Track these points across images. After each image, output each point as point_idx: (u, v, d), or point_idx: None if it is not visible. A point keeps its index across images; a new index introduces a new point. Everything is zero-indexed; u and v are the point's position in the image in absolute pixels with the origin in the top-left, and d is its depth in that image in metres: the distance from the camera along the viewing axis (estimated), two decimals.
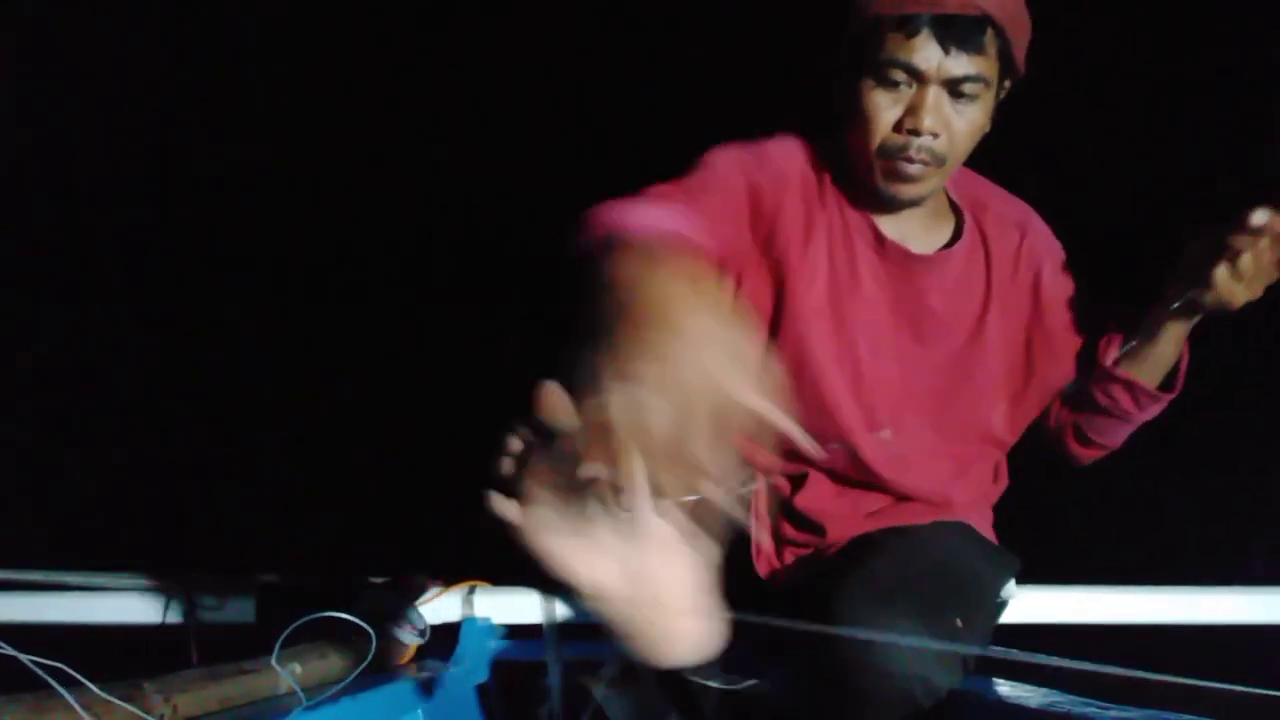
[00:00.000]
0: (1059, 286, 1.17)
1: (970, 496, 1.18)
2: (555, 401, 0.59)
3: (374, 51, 2.18)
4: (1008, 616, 1.21)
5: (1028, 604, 1.29)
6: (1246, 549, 1.67)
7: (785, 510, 1.15)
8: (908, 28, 1.00)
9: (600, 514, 0.62)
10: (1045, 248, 1.19)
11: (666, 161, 1.09)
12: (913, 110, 1.02)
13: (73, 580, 1.35)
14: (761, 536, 1.15)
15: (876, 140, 1.05)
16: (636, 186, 1.03)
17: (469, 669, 1.28)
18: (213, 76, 2.13)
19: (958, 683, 0.91)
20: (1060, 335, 1.18)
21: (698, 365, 0.60)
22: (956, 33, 1.00)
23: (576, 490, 0.61)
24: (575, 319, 0.68)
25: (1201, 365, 1.13)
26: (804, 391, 1.10)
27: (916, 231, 1.15)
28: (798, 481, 1.14)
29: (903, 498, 1.15)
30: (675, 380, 0.59)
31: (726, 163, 1.08)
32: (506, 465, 0.62)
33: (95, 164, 2.11)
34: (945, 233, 1.17)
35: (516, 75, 2.15)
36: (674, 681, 1.34)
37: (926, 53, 1.01)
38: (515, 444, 0.62)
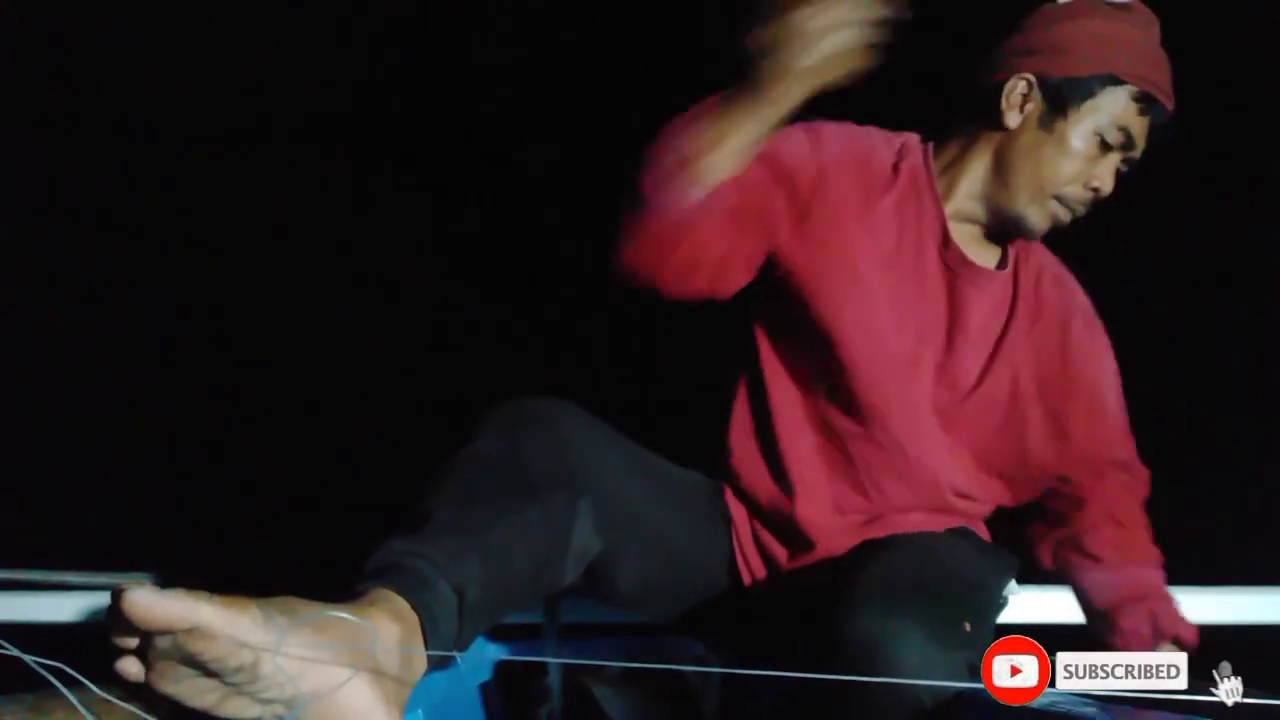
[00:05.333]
0: (1087, 351, 1.21)
1: (962, 507, 1.19)
2: (144, 603, 0.64)
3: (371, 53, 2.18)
4: (1009, 616, 1.21)
5: (1028, 604, 1.29)
6: (1247, 549, 1.66)
7: (774, 526, 1.15)
8: (1143, 104, 1.09)
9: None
10: (1079, 307, 1.22)
11: None
12: (1106, 174, 1.11)
13: (73, 580, 1.35)
14: (747, 551, 1.16)
15: (1065, 186, 1.11)
16: None
17: (471, 669, 1.28)
18: (213, 76, 2.13)
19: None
20: (1089, 404, 1.20)
21: None
22: (1159, 125, 1.11)
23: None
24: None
25: (1202, 365, 1.14)
26: (864, 351, 1.11)
27: (973, 246, 1.17)
28: (793, 499, 1.14)
29: (894, 508, 1.15)
30: None
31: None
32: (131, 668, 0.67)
33: (95, 162, 2.11)
34: (994, 256, 1.20)
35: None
36: (675, 682, 1.34)
37: (1144, 131, 1.11)
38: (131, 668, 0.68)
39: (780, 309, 1.14)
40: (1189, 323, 1.86)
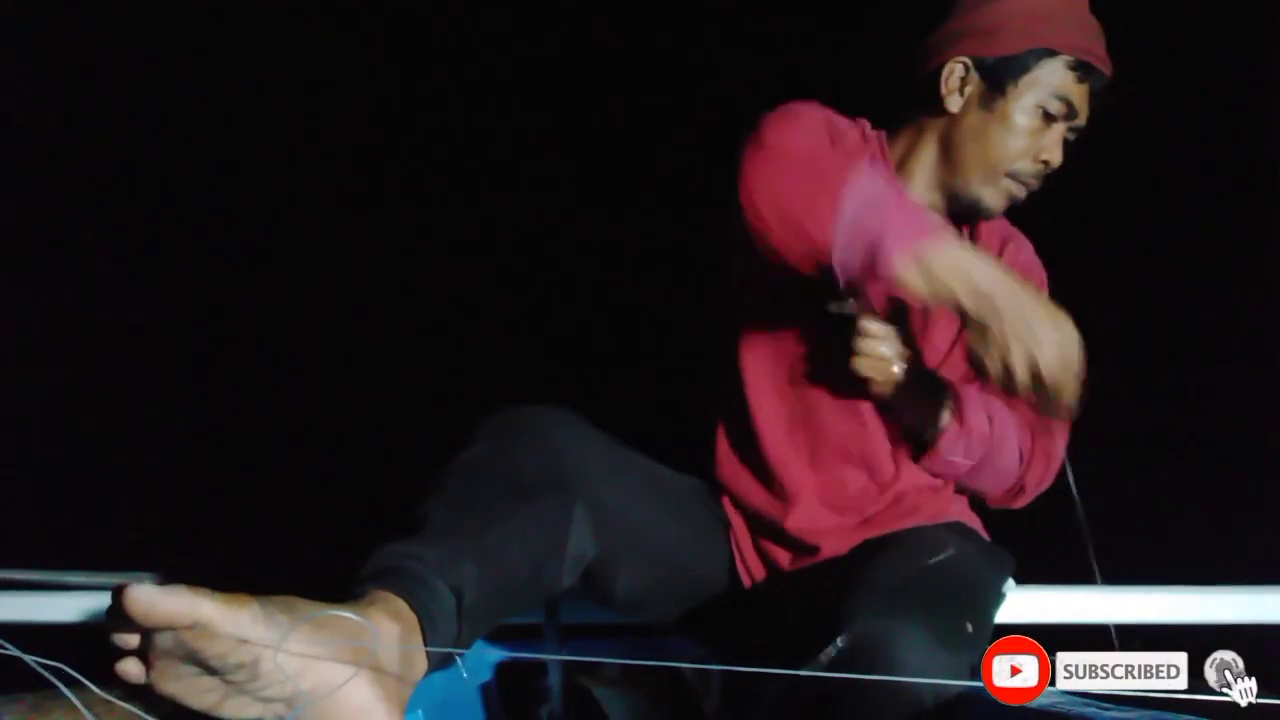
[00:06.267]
0: None
1: (952, 494, 1.19)
2: (146, 599, 0.63)
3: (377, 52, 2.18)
4: (1009, 616, 1.21)
5: (1028, 604, 1.28)
6: (1247, 548, 1.66)
7: (771, 533, 1.15)
8: (1080, 72, 1.09)
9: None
10: (1022, 266, 1.21)
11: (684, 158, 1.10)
12: (1054, 145, 1.11)
13: (73, 580, 1.35)
14: (746, 556, 1.16)
15: (1014, 162, 1.12)
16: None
17: (471, 669, 1.28)
18: (215, 78, 2.13)
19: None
20: None
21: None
22: (1100, 91, 1.11)
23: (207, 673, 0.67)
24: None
25: (1205, 365, 1.13)
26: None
27: None
28: (786, 505, 1.14)
29: (894, 502, 1.15)
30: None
31: (819, 119, 1.10)
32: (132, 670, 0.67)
33: (94, 160, 2.11)
34: None
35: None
36: (675, 682, 1.34)
37: (1085, 99, 1.11)
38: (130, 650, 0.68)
39: (775, 306, 1.15)
40: (1189, 322, 1.86)
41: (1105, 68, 1.11)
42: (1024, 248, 1.24)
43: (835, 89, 1.10)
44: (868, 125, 1.20)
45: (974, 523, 1.20)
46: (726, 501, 1.19)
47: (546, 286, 2.12)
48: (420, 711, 1.05)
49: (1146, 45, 1.15)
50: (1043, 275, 1.25)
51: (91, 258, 2.11)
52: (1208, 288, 1.89)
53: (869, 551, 1.05)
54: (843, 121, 1.15)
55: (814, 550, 1.12)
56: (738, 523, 1.18)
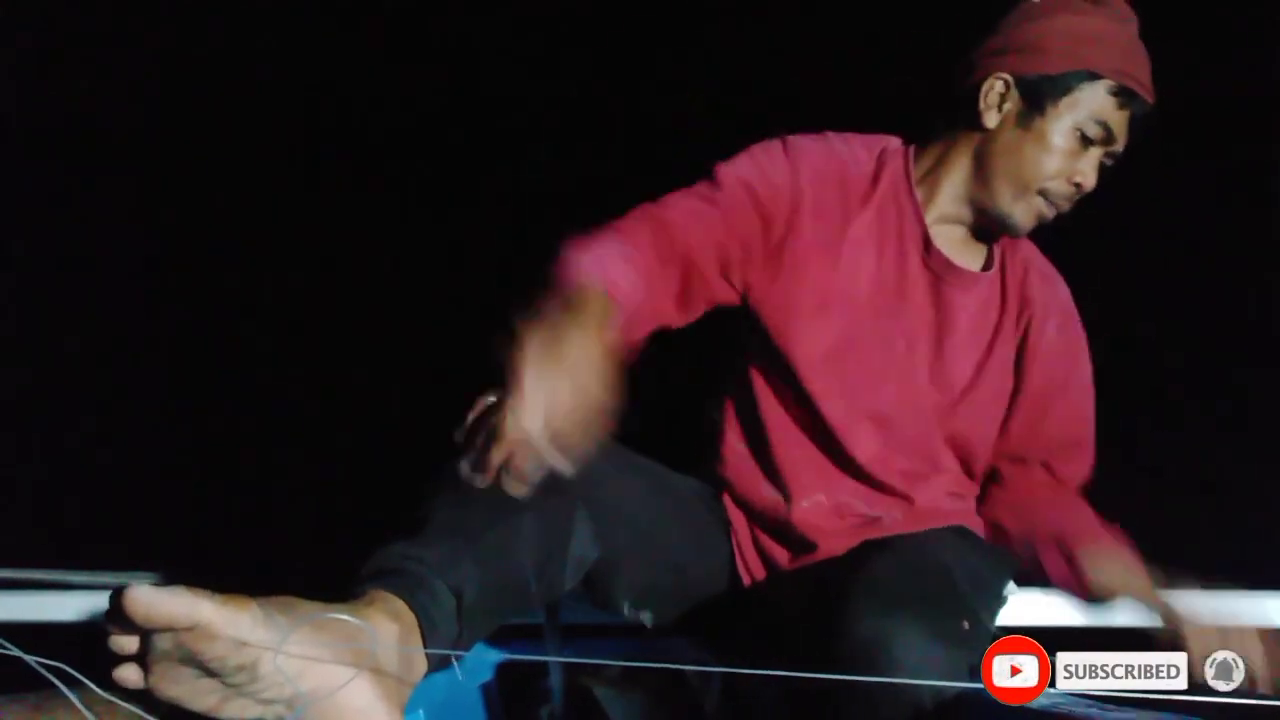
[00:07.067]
0: (1057, 351, 1.18)
1: (960, 505, 1.19)
2: (145, 600, 0.64)
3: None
4: (1009, 617, 1.21)
5: (1028, 604, 1.28)
6: (1248, 550, 1.66)
7: (773, 530, 1.16)
8: (1122, 98, 1.08)
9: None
10: (1059, 305, 1.20)
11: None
12: (1088, 168, 1.10)
13: (75, 580, 1.35)
14: (747, 555, 1.17)
15: (1047, 182, 1.10)
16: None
17: (472, 669, 1.28)
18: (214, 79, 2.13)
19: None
20: (1040, 403, 1.18)
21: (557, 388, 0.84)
22: (1139, 117, 1.10)
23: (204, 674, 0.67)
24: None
25: (1207, 365, 1.13)
26: (836, 373, 1.12)
27: (958, 248, 1.17)
28: (790, 501, 1.15)
29: (897, 506, 1.15)
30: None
31: (732, 176, 1.11)
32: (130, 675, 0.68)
33: (93, 160, 2.11)
34: (979, 256, 1.19)
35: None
36: (676, 682, 1.34)
37: (1125, 124, 1.09)
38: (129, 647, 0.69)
39: (755, 338, 1.16)
40: (1188, 323, 1.86)
41: (1148, 95, 1.09)
42: (1059, 296, 1.22)
43: (849, 100, 1.10)
44: (896, 144, 1.19)
45: (976, 526, 1.20)
46: (728, 499, 1.19)
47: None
48: (421, 712, 1.05)
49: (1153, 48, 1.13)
50: (1077, 327, 1.22)
51: (93, 257, 2.11)
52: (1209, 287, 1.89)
53: (868, 551, 1.06)
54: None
55: (813, 548, 1.12)
56: (739, 520, 1.18)
